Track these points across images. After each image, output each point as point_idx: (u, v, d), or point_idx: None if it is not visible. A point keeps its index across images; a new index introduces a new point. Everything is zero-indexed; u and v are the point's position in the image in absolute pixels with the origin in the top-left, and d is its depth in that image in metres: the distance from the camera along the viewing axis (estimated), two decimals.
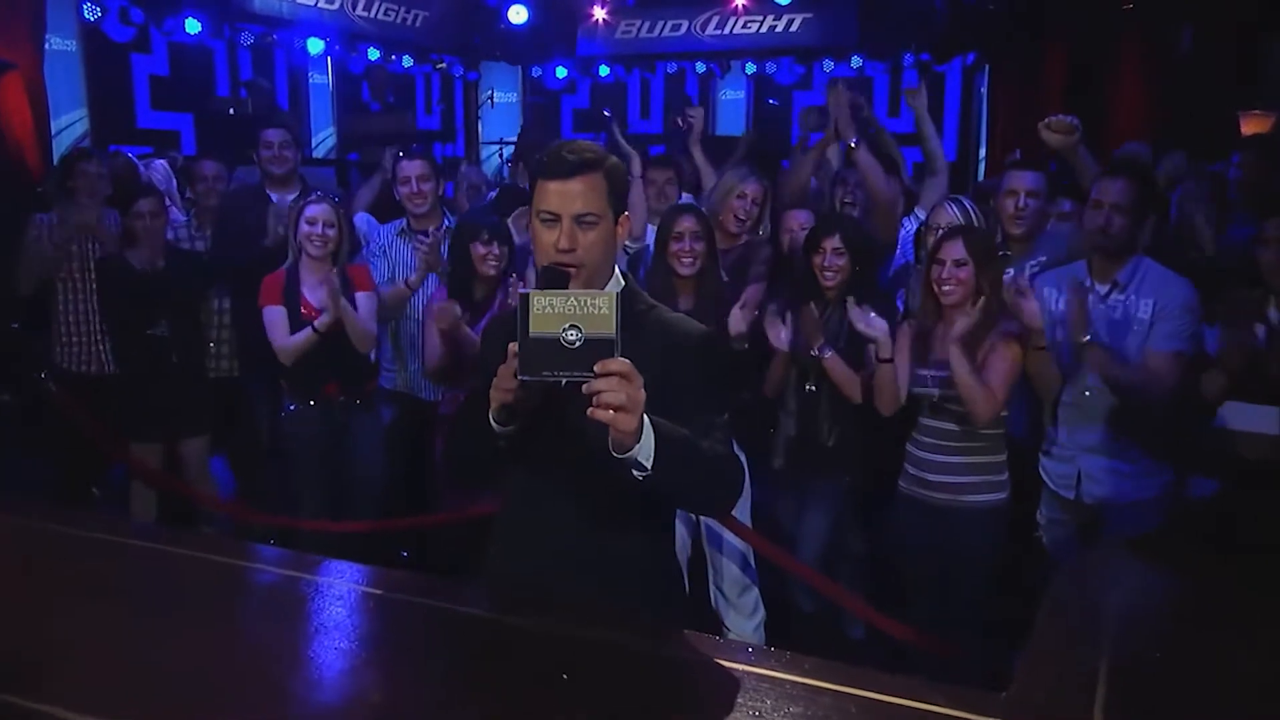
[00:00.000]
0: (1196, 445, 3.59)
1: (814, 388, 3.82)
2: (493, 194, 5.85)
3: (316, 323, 4.04)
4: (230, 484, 5.35)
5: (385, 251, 4.68)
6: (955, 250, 3.37)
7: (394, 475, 4.56)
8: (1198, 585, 2.30)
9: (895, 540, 3.70)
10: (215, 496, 4.79)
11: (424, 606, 2.02)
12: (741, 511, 3.91)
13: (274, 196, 4.83)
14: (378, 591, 2.09)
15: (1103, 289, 3.45)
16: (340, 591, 2.07)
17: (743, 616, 4.02)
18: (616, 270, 2.16)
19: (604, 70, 11.06)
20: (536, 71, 11.30)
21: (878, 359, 3.47)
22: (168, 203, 5.08)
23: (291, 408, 4.24)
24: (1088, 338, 3.26)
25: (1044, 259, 3.93)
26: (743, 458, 3.99)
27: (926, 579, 3.57)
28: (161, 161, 5.96)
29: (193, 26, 7.79)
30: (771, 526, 4.02)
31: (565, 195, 2.00)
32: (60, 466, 4.99)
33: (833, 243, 3.73)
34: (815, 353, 3.66)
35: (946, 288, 3.37)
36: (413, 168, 4.61)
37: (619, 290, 2.09)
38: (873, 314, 3.47)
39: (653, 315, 2.14)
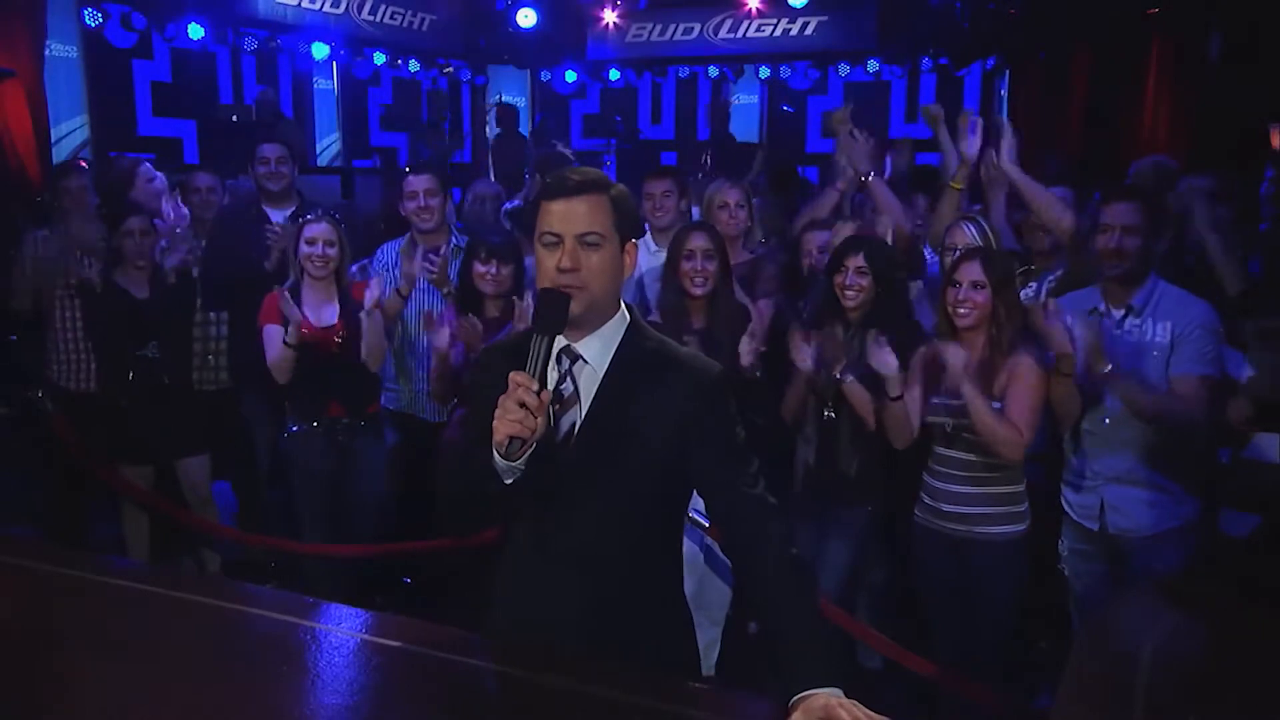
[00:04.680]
0: (1229, 476, 3.45)
1: (833, 414, 3.69)
2: (510, 204, 5.69)
3: (285, 336, 3.93)
4: (233, 505, 5.24)
5: (389, 269, 4.55)
6: (973, 271, 3.26)
7: (396, 497, 4.46)
8: (1236, 636, 2.17)
9: (912, 572, 3.58)
10: (207, 520, 4.67)
11: (423, 656, 1.94)
12: None
13: (270, 212, 4.71)
14: (375, 639, 2.01)
15: (1117, 314, 3.34)
16: (336, 640, 2.00)
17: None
18: (622, 304, 2.05)
19: (614, 74, 10.91)
20: (545, 75, 11.16)
21: (887, 396, 3.33)
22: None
23: (294, 429, 4.14)
24: (1109, 368, 3.10)
25: (1061, 273, 3.85)
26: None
27: (945, 612, 3.45)
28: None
29: (195, 32, 7.70)
30: None
31: (569, 214, 1.94)
32: (55, 484, 4.88)
33: (856, 262, 3.60)
34: (837, 376, 3.52)
35: (962, 310, 3.26)
36: (420, 182, 4.47)
37: (625, 325, 2.01)
38: (888, 350, 3.30)
39: (663, 354, 2.03)
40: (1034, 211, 3.89)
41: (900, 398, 3.32)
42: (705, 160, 8.55)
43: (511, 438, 1.81)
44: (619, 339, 2.01)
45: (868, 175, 4.39)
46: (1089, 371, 3.15)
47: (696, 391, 1.98)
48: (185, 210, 4.66)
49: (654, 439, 1.96)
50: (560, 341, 1.98)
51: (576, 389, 1.99)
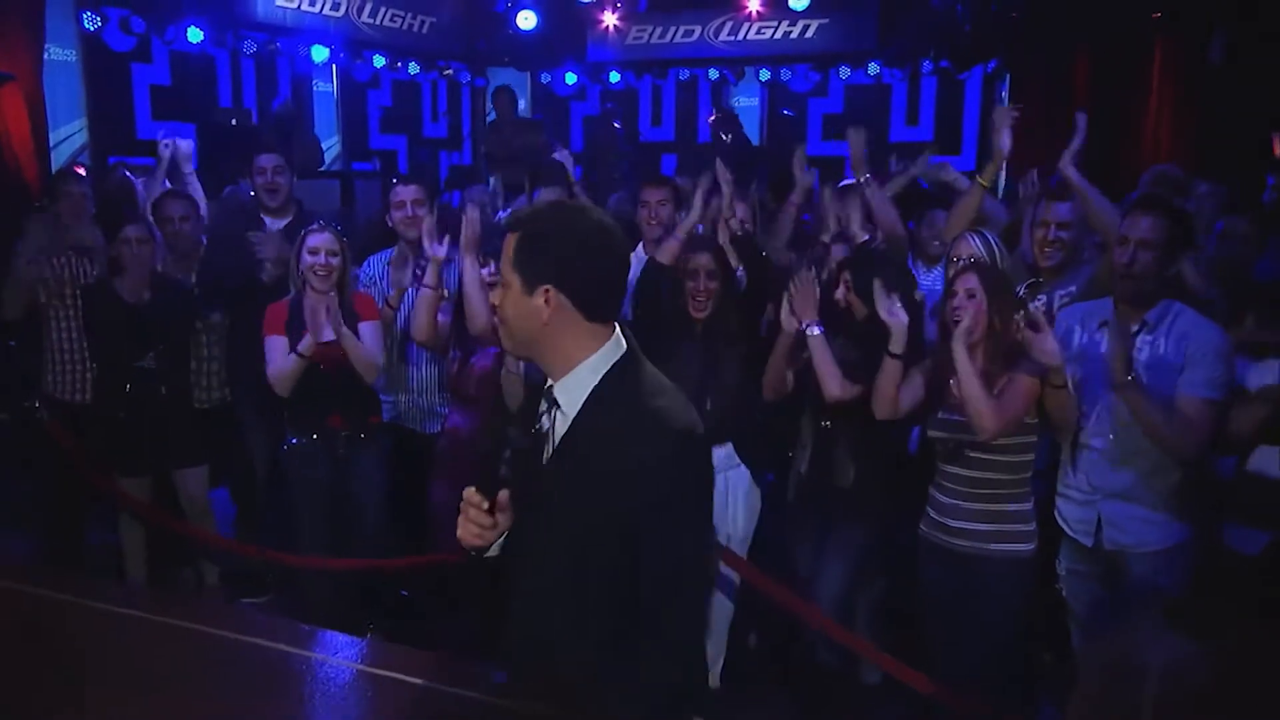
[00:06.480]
0: (1233, 492, 3.41)
1: (828, 423, 3.67)
2: (504, 213, 5.68)
3: (300, 347, 3.92)
4: (231, 515, 5.22)
5: (376, 281, 4.55)
6: (968, 281, 3.26)
7: (393, 509, 4.43)
8: (1242, 661, 2.14)
9: (915, 586, 3.54)
10: (206, 532, 4.64)
11: (418, 688, 1.93)
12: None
13: (268, 221, 4.69)
14: (370, 669, 2.02)
15: (1130, 328, 3.27)
16: (330, 670, 2.00)
17: None
18: (610, 345, 1.94)
19: (614, 76, 10.87)
20: (545, 77, 11.13)
21: (888, 352, 3.32)
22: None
23: (293, 441, 4.13)
24: (1131, 376, 3.05)
25: (1074, 289, 3.80)
26: (757, 494, 3.90)
27: (947, 628, 3.42)
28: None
29: (195, 35, 7.65)
30: (786, 569, 3.88)
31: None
32: (53, 491, 4.86)
33: (846, 276, 3.65)
34: (803, 327, 3.53)
35: (956, 318, 3.23)
36: (407, 192, 4.47)
37: (604, 369, 1.92)
38: (898, 305, 3.30)
39: (629, 411, 1.88)
40: (1090, 218, 3.82)
41: (899, 357, 3.30)
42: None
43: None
44: (594, 384, 1.92)
45: (865, 179, 4.41)
46: (1110, 378, 3.10)
47: (642, 473, 1.83)
48: (158, 234, 4.61)
49: (599, 504, 1.85)
50: (549, 381, 1.96)
51: (553, 430, 1.95)
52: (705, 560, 1.91)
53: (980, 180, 4.28)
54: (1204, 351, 3.14)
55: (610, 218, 2.01)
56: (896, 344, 3.30)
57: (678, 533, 1.85)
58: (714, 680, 3.88)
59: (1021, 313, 3.16)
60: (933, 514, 3.39)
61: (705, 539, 1.90)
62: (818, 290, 3.58)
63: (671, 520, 1.84)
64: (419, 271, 4.28)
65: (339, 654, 2.04)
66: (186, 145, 5.38)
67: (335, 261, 4.02)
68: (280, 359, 3.98)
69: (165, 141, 5.28)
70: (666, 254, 4.01)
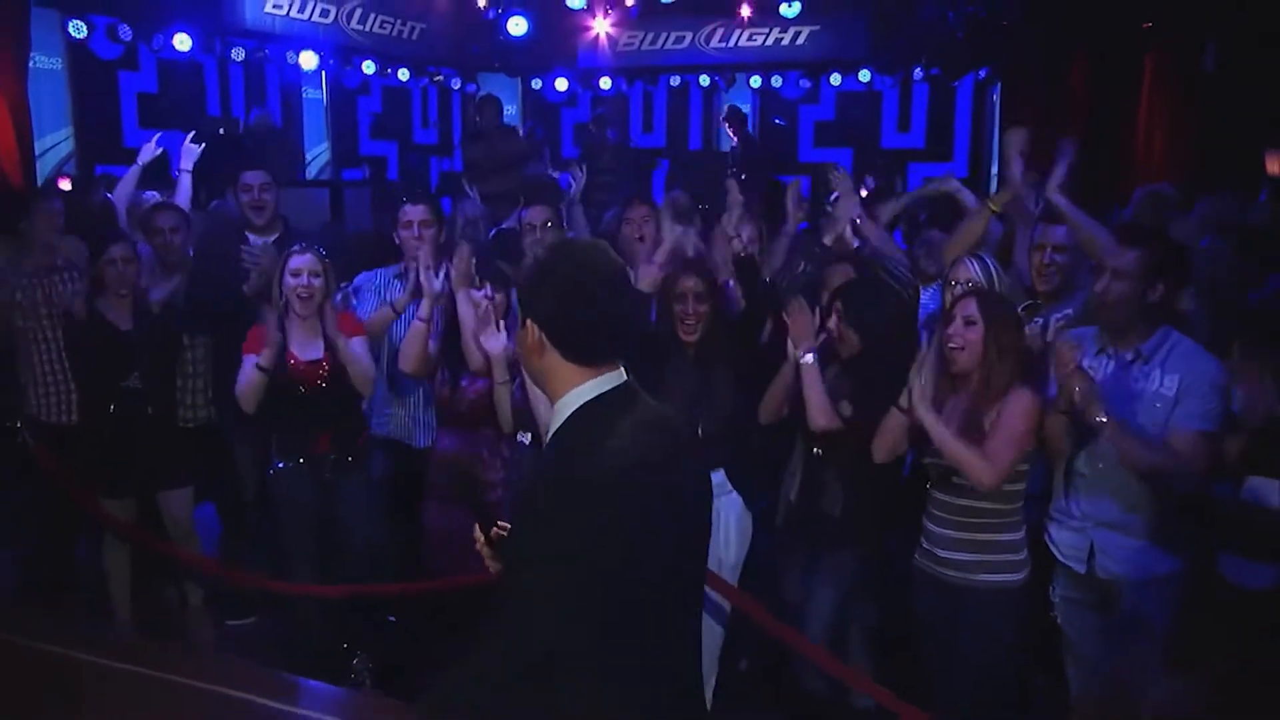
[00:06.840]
0: (1228, 520, 3.39)
1: (819, 451, 3.64)
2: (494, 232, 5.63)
3: (260, 360, 3.88)
4: (218, 533, 5.17)
5: (379, 290, 4.49)
6: (967, 308, 3.22)
7: (384, 529, 4.39)
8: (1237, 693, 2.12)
9: (909, 614, 3.52)
10: (193, 555, 4.59)
11: None
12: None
13: (254, 239, 4.65)
14: None
15: (1126, 356, 3.24)
16: None
17: None
18: (586, 388, 1.92)
19: (605, 83, 10.85)
20: (536, 84, 11.10)
21: (896, 405, 3.28)
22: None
23: (280, 465, 4.08)
24: (1102, 419, 3.00)
25: (1071, 312, 3.76)
26: (749, 520, 3.87)
27: (940, 656, 3.39)
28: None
29: (183, 43, 7.58)
30: (776, 598, 3.85)
31: None
32: (39, 513, 4.80)
33: (839, 306, 3.61)
34: (799, 354, 3.52)
35: (953, 344, 3.20)
36: (416, 212, 4.39)
37: (567, 413, 1.92)
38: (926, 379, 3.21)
39: (550, 462, 1.91)
40: (1082, 244, 3.76)
41: (906, 411, 3.26)
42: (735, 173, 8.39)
43: None
44: (559, 425, 1.93)
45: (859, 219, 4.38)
46: (1084, 418, 3.07)
47: (537, 495, 1.88)
48: (144, 251, 4.56)
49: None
50: None
51: None
52: (585, 604, 1.78)
53: (991, 205, 4.21)
54: (1199, 384, 3.10)
55: (616, 259, 1.99)
56: (903, 398, 3.25)
57: (544, 562, 1.80)
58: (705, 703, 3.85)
59: (1074, 372, 3.00)
60: (924, 543, 3.36)
61: (590, 586, 1.78)
62: (815, 318, 3.56)
63: (547, 548, 1.79)
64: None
65: (326, 710, 2.00)
66: (193, 148, 5.34)
67: (317, 283, 3.98)
68: (249, 373, 3.94)
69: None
70: (645, 282, 3.91)
